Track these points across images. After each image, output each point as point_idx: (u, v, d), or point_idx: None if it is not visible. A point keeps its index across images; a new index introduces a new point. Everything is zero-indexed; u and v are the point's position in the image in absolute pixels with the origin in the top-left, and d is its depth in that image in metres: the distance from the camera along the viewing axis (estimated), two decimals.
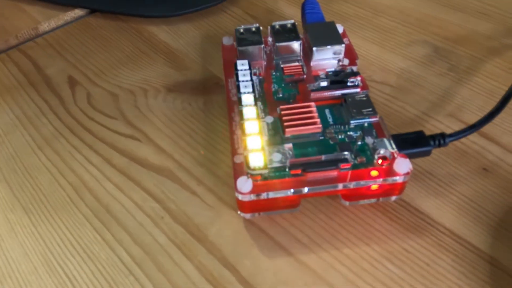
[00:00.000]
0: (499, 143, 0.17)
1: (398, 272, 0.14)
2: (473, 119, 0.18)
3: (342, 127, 0.16)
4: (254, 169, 0.14)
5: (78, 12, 0.27)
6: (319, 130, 0.16)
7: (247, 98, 0.16)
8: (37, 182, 0.17)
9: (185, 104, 0.20)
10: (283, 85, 0.18)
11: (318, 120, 0.16)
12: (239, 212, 0.15)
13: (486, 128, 0.18)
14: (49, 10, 0.27)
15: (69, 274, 0.14)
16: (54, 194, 0.17)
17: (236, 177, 0.14)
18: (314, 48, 0.18)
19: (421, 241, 0.15)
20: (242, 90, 0.17)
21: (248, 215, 0.15)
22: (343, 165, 0.14)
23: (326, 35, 0.19)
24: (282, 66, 0.19)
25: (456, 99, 0.19)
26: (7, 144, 0.19)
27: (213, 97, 0.21)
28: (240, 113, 0.16)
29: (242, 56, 0.19)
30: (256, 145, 0.15)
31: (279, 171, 0.15)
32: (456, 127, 0.18)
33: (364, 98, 0.17)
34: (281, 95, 0.18)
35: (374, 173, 0.15)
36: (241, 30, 0.19)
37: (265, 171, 0.14)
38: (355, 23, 0.24)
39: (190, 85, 0.21)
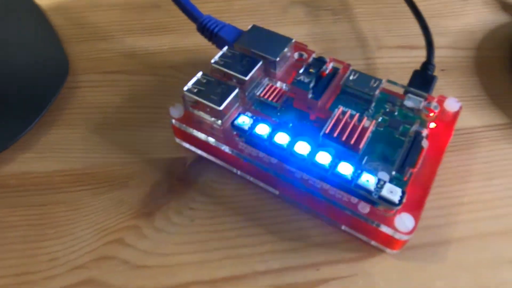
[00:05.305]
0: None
1: None
2: (402, 41, 0.21)
3: (369, 111, 0.16)
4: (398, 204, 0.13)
5: None
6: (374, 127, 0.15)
7: (302, 147, 0.14)
8: None
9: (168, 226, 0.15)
10: (278, 114, 0.16)
11: (365, 117, 0.15)
12: (388, 251, 0.14)
13: None
14: None
15: None
16: None
17: (388, 220, 0.13)
18: (277, 59, 0.16)
19: None
20: (282, 141, 0.14)
21: (397, 251, 0.14)
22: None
23: (266, 41, 0.17)
24: (262, 96, 0.16)
25: (368, 34, 0.21)
26: None
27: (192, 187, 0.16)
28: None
29: (226, 112, 0.15)
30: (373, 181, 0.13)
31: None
32: (405, 53, 0.20)
33: (358, 74, 0.16)
34: (291, 124, 0.15)
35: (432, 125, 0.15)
36: (195, 89, 0.15)
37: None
38: (235, 16, 0.22)
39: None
